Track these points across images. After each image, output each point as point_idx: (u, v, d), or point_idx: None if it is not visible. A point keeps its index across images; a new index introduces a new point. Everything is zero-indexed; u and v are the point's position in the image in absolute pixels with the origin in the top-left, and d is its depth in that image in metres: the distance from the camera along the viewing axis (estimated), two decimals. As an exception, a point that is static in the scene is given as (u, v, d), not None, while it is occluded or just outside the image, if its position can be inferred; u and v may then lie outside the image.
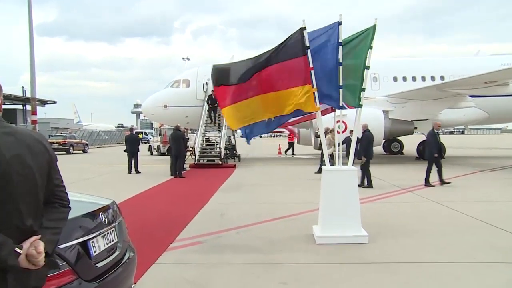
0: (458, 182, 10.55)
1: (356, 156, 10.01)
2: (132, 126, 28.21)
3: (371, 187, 10.07)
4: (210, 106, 18.48)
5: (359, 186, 10.04)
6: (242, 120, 5.54)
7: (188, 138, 17.50)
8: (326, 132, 11.25)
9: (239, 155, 20.71)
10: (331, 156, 10.95)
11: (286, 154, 24.14)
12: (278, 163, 19.17)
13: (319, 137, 5.93)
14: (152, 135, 34.55)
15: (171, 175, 13.40)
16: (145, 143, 45.46)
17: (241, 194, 9.59)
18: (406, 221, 6.51)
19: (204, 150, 17.89)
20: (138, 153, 15.17)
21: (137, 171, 14.72)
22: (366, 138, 10.24)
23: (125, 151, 15.17)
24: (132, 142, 15.04)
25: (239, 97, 5.45)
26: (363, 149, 10.12)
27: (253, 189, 10.47)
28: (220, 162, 16.98)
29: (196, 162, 16.85)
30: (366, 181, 10.26)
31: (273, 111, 5.39)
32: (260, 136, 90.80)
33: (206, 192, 9.95)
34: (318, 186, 5.67)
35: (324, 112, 5.73)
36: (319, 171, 12.63)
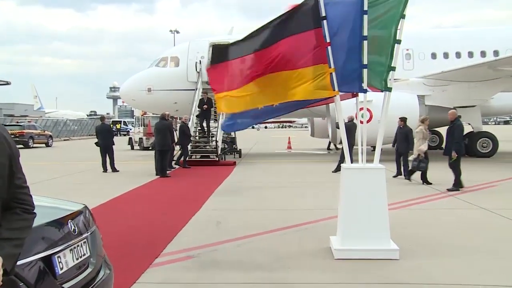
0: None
1: (445, 152, 10.12)
2: (108, 113, 28.32)
3: (462, 186, 10.08)
4: (199, 110, 17.93)
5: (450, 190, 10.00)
6: (237, 106, 5.52)
7: (190, 130, 17.44)
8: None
9: (240, 150, 20.80)
10: (425, 156, 10.82)
11: (329, 150, 23.22)
12: (287, 159, 19.19)
13: (339, 128, 5.91)
14: (133, 126, 34.67)
15: (156, 174, 13.48)
16: (125, 135, 45.65)
17: (242, 199, 9.64)
18: (447, 232, 6.51)
19: (197, 144, 17.94)
20: (113, 147, 15.25)
21: (113, 169, 14.81)
22: (458, 129, 10.01)
23: (96, 144, 15.27)
24: (104, 134, 15.10)
25: (238, 80, 5.42)
26: (455, 143, 9.91)
27: (256, 192, 10.52)
28: (217, 159, 17.04)
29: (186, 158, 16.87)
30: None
31: (278, 96, 5.35)
32: (266, 127, 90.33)
33: (198, 195, 10.00)
34: (336, 188, 5.66)
35: (343, 97, 5.71)
36: (338, 169, 12.64)
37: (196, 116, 18.07)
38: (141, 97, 20.18)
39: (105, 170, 14.79)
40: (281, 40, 5.25)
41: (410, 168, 11.23)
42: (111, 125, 28.12)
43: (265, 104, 5.38)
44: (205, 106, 17.62)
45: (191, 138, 17.15)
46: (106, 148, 14.96)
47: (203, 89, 18.66)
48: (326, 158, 19.33)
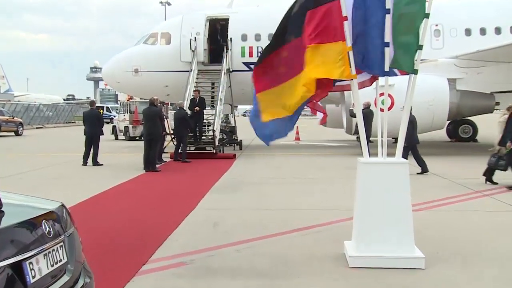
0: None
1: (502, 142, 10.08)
2: (88, 98, 28.44)
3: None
4: (190, 112, 17.14)
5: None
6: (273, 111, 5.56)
7: (167, 117, 17.38)
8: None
9: (240, 141, 20.84)
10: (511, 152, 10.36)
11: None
12: (294, 152, 19.25)
13: (355, 117, 5.91)
14: (117, 112, 34.72)
15: (144, 168, 13.52)
16: (108, 123, 45.53)
17: (242, 196, 9.68)
18: (480, 238, 6.51)
19: (191, 134, 17.92)
20: (101, 136, 15.33)
21: (95, 163, 14.84)
22: None
23: (85, 133, 15.23)
24: (92, 121, 15.13)
25: (276, 78, 5.51)
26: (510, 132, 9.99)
27: (258, 189, 10.56)
28: (214, 151, 17.08)
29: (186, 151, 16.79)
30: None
31: (304, 92, 5.39)
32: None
33: (193, 192, 10.05)
34: (351, 186, 5.65)
35: (361, 85, 5.69)
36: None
37: (189, 109, 17.75)
38: (127, 79, 20.15)
39: (85, 162, 14.81)
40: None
41: (487, 165, 10.76)
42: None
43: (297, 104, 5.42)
44: (197, 108, 17.15)
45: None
46: (92, 137, 14.96)
47: (196, 83, 18.45)
48: (339, 151, 19.33)
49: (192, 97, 17.68)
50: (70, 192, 9.80)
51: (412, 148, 12.15)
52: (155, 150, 13.95)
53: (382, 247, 5.27)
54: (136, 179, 12.26)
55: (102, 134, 15.37)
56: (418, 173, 12.05)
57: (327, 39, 5.25)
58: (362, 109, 12.24)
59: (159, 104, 15.34)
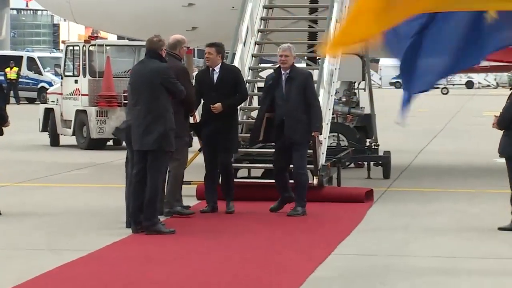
0: None
1: None
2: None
3: None
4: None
5: None
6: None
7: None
8: None
9: (386, 154, 21.16)
10: None
11: None
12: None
13: None
14: (57, 73, 35.97)
15: (128, 225, 13.53)
16: (34, 100, 46.97)
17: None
18: None
19: (255, 132, 17.86)
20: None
21: None
22: None
23: None
24: None
25: None
26: None
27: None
28: (315, 181, 16.92)
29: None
30: None
31: None
32: (469, 84, 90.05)
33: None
34: None
35: None
36: None
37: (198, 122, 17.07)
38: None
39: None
40: None
41: None
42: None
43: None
44: (215, 106, 16.17)
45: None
46: None
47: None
48: None
49: (202, 65, 17.59)
50: None
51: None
52: (157, 176, 13.80)
53: None
54: (106, 253, 12.20)
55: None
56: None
57: None
58: None
59: (174, 54, 15.14)
